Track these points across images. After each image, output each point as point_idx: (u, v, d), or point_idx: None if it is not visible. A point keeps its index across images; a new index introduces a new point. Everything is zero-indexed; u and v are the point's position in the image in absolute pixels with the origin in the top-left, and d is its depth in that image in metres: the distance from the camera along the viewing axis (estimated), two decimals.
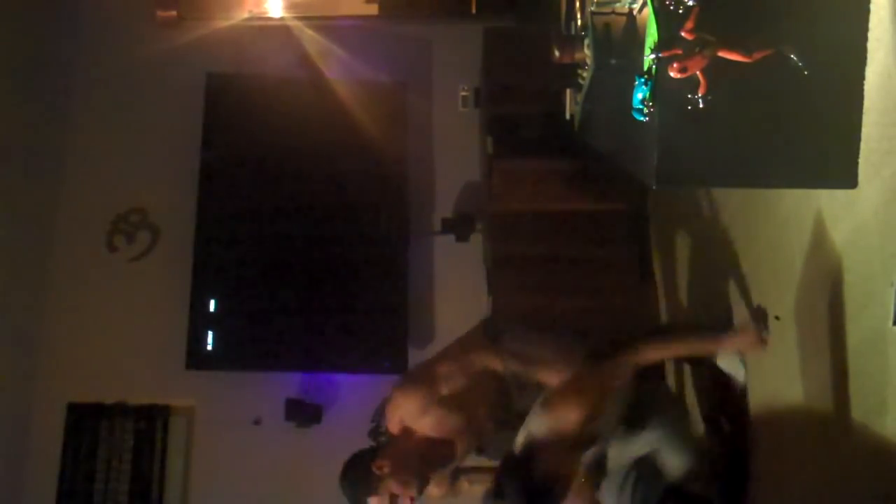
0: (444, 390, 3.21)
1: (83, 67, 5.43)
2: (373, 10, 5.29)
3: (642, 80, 2.07)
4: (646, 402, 3.11)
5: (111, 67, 5.37)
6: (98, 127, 5.35)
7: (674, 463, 3.12)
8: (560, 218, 4.62)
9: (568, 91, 3.12)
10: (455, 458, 3.25)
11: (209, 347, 4.96)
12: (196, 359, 4.94)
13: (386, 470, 3.11)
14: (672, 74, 1.98)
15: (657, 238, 4.60)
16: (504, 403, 3.22)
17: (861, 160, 2.06)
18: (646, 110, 2.07)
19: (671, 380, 3.97)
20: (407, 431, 3.21)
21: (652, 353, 3.20)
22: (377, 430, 3.29)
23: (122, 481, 4.90)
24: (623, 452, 3.12)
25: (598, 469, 3.11)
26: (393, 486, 3.10)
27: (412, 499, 3.16)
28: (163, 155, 5.31)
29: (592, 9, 2.55)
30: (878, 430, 2.35)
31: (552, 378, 3.03)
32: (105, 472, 4.91)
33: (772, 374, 3.08)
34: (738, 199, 3.36)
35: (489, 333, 3.39)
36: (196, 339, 4.96)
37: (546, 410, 2.84)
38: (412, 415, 3.21)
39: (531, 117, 4.68)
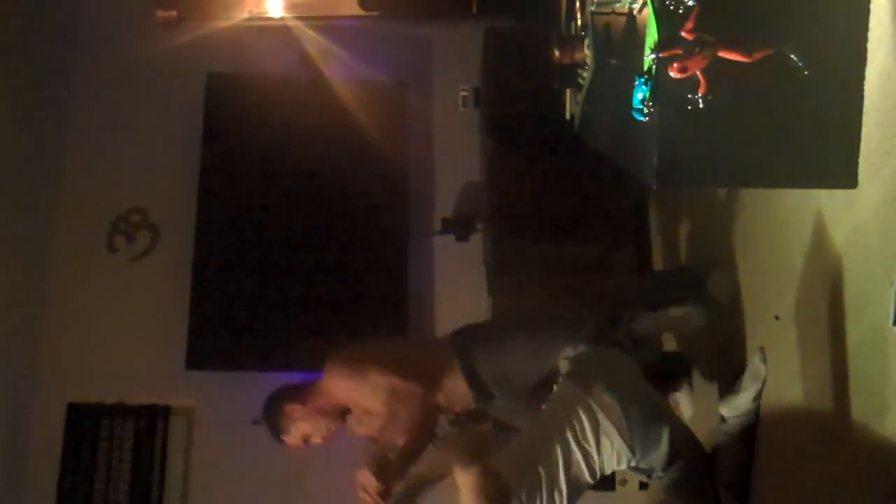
0: (382, 389, 3.26)
1: (83, 67, 5.42)
2: (373, 9, 5.29)
3: (642, 80, 2.06)
4: None
5: (111, 67, 5.36)
6: (98, 127, 5.34)
7: None
8: (560, 218, 4.62)
9: (568, 91, 3.13)
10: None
11: (209, 347, 4.96)
12: (196, 359, 4.94)
13: (297, 414, 3.27)
14: (672, 74, 1.98)
15: (657, 238, 4.60)
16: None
17: (861, 160, 2.06)
18: (646, 110, 2.06)
19: None
20: (335, 396, 3.32)
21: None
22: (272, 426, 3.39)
23: (122, 481, 4.90)
24: None
25: None
26: (303, 427, 3.33)
27: (324, 438, 3.32)
28: (163, 155, 5.30)
29: (592, 9, 2.55)
30: (878, 430, 2.35)
31: None
32: (105, 472, 4.90)
33: (772, 374, 3.08)
34: (739, 198, 3.36)
35: (458, 348, 3.38)
36: (196, 340, 4.95)
37: None
38: (344, 392, 3.32)
39: (531, 117, 4.68)
